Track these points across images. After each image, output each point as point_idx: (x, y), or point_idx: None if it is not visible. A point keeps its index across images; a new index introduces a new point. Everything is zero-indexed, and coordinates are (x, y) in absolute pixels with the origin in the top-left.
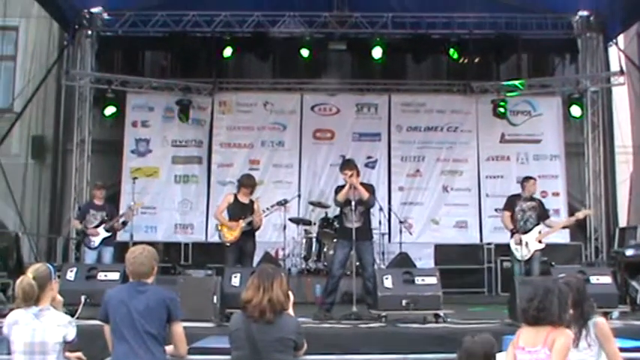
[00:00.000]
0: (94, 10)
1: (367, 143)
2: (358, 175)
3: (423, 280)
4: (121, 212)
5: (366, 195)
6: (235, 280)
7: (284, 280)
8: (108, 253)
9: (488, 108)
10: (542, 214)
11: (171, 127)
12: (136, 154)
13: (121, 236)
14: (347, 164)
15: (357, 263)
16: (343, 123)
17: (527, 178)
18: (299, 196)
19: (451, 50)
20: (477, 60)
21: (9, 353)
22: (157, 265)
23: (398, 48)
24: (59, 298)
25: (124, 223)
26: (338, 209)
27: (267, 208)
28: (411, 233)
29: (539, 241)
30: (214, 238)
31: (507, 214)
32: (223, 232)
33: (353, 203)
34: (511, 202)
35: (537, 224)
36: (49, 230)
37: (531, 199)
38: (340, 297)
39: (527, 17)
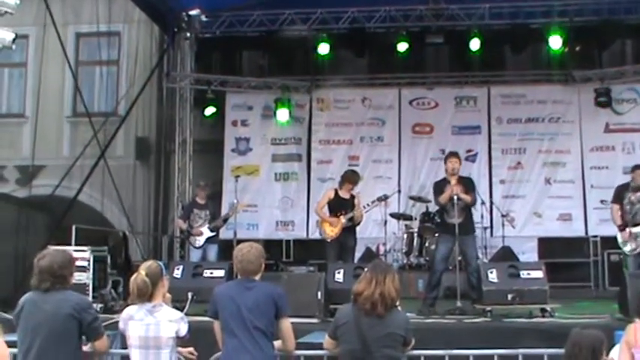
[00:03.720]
0: (192, 12)
1: (467, 136)
2: (460, 164)
3: (528, 273)
4: (223, 211)
5: (469, 199)
6: (339, 276)
7: (396, 277)
8: (212, 251)
9: (590, 97)
10: None
11: (270, 126)
12: (236, 152)
13: (224, 234)
14: (454, 153)
15: (460, 258)
16: (442, 116)
17: (637, 167)
18: (399, 191)
19: (550, 40)
20: (578, 48)
21: (124, 347)
22: (264, 263)
23: (496, 39)
24: (167, 295)
25: (225, 220)
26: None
27: (368, 204)
28: (513, 227)
29: None
30: (315, 235)
31: (616, 207)
32: (324, 228)
33: (455, 198)
34: (619, 194)
35: None
36: (154, 229)
37: None
38: (443, 292)
39: (632, 1)
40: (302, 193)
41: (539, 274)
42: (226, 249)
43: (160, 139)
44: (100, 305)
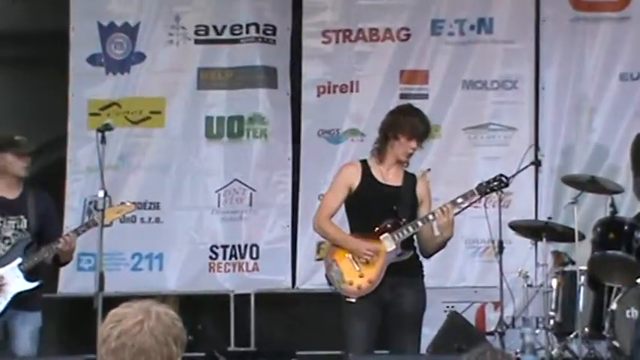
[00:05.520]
0: None
1: None
2: None
3: None
4: (67, 219)
5: None
6: None
7: None
8: (27, 329)
9: None
10: None
11: None
12: (101, 64)
13: (70, 280)
14: None
15: None
16: None
17: None
18: (535, 164)
19: None
20: None
21: None
22: (180, 354)
23: None
24: None
25: (58, 259)
26: None
27: (457, 202)
28: None
29: None
30: (315, 284)
31: None
32: (340, 267)
33: None
34: None
35: None
36: None
37: None
38: None
39: None
40: (279, 173)
41: None
42: (73, 322)
43: None
44: None
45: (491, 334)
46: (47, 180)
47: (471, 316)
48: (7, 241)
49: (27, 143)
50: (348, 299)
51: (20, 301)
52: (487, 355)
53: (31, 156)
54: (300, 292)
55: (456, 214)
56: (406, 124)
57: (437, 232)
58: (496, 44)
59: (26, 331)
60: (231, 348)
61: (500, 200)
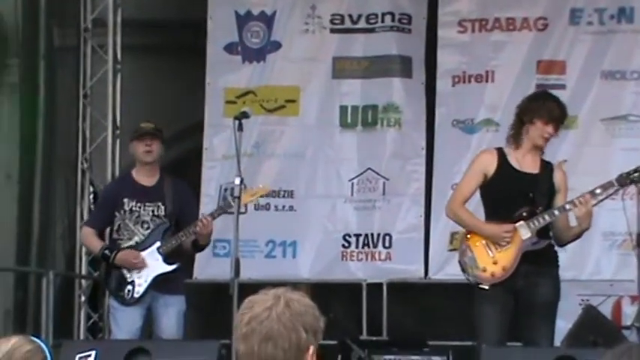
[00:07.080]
0: None
1: None
2: None
3: None
4: (203, 205)
5: None
6: None
7: None
8: (171, 312)
9: None
10: None
11: None
12: (237, 53)
13: (206, 266)
14: None
15: None
16: None
17: None
18: None
19: None
20: None
21: None
22: (318, 341)
23: None
24: None
25: (199, 242)
26: None
27: (594, 193)
28: None
29: None
30: (449, 274)
31: None
32: (474, 253)
33: None
34: None
35: None
36: (22, 253)
37: None
38: None
39: None
40: (412, 161)
41: None
42: (208, 307)
43: (36, 20)
44: None
45: (627, 328)
46: (184, 167)
47: (606, 310)
48: (145, 226)
49: (147, 127)
50: (480, 286)
51: (162, 284)
52: (633, 352)
53: (159, 148)
54: (432, 282)
55: (594, 205)
56: (543, 108)
57: (573, 223)
58: (637, 34)
59: (170, 314)
60: (364, 337)
61: (638, 192)
